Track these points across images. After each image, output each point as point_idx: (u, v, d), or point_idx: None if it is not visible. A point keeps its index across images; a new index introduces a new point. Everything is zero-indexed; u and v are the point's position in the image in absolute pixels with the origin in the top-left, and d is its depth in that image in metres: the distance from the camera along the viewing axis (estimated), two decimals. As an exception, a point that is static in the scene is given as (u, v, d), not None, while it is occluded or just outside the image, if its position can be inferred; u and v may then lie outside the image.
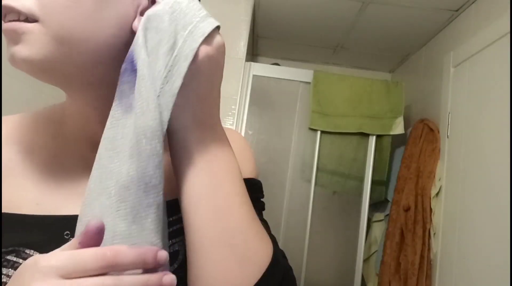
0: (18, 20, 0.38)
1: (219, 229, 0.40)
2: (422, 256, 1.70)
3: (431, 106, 1.99)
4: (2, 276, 0.39)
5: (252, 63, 2.05)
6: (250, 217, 0.42)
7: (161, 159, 0.37)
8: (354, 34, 2.23)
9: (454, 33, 1.88)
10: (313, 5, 1.96)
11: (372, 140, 2.03)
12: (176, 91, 0.38)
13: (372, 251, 2.13)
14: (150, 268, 0.33)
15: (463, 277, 1.47)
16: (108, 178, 0.38)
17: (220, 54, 0.41)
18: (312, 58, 2.71)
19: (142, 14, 0.42)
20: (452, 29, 1.90)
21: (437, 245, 1.68)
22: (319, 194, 2.03)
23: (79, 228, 0.38)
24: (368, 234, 2.15)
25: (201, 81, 0.41)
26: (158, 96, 0.38)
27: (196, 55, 0.39)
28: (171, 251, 0.45)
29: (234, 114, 1.94)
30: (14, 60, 0.38)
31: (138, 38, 0.38)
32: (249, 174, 0.53)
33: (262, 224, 0.45)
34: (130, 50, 0.39)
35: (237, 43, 1.98)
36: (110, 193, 0.37)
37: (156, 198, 0.37)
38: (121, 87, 0.40)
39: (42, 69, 0.39)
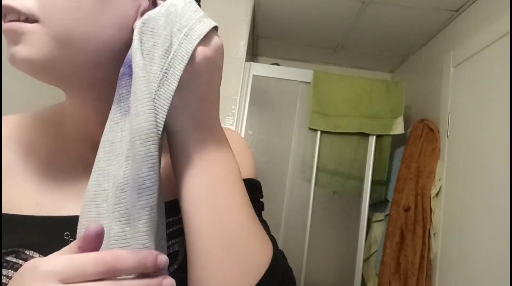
0: (18, 20, 0.37)
1: (219, 229, 0.40)
2: (422, 256, 1.70)
3: (431, 106, 1.99)
4: (2, 277, 0.38)
5: (252, 63, 2.05)
6: (250, 218, 0.42)
7: (156, 161, 0.37)
8: (354, 34, 2.23)
9: (454, 33, 1.88)
10: (313, 5, 1.96)
11: (372, 140, 2.03)
12: (172, 93, 0.38)
13: (372, 251, 2.13)
14: (150, 272, 0.32)
15: (463, 277, 1.47)
16: (106, 180, 0.38)
17: (218, 55, 0.41)
18: (312, 58, 2.71)
19: (142, 15, 0.42)
20: (452, 29, 1.90)
21: (437, 245, 1.68)
22: (319, 194, 2.03)
23: (79, 231, 0.38)
24: (368, 234, 2.15)
25: (199, 83, 0.40)
26: (154, 98, 0.38)
27: (193, 57, 0.39)
28: (171, 251, 0.45)
29: (234, 114, 1.94)
30: (14, 60, 0.38)
31: (134, 42, 0.38)
32: (248, 175, 0.53)
33: (262, 225, 0.45)
34: (128, 54, 0.40)
35: (237, 43, 1.98)
36: (108, 195, 0.37)
37: (149, 200, 0.36)
38: (120, 91, 0.40)
39: (42, 69, 0.39)
